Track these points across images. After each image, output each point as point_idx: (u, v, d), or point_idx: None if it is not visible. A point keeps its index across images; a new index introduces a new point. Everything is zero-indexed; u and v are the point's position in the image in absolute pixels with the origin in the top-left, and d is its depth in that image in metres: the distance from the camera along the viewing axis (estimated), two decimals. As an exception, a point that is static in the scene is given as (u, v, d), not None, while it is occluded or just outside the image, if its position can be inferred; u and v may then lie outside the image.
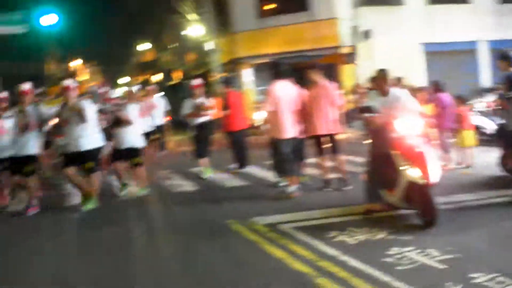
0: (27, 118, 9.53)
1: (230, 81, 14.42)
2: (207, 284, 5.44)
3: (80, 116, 9.25)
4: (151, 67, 62.54)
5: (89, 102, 9.98)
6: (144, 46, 63.38)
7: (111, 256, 6.72)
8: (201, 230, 7.64)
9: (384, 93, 7.76)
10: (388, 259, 5.59)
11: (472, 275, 4.92)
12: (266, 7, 28.98)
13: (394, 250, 5.85)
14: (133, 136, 10.60)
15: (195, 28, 31.64)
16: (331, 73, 26.66)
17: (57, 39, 55.87)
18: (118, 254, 6.74)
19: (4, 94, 10.62)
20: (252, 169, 12.70)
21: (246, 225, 7.51)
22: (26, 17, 26.38)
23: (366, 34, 25.74)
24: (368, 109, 7.73)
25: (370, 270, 5.28)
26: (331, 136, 9.72)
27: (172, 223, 8.30)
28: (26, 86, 9.86)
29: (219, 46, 30.26)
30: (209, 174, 12.18)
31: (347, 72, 27.13)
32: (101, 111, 10.29)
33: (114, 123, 10.50)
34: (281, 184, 9.73)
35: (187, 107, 12.45)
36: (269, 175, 10.80)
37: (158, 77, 58.05)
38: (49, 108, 10.27)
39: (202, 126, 12.36)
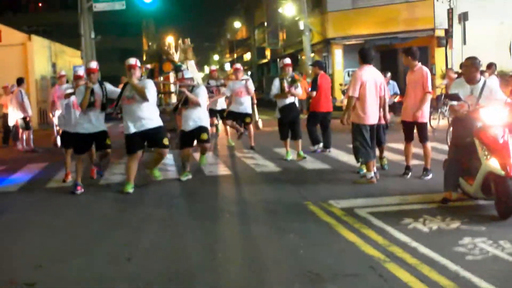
0: (94, 96, 9.47)
1: (321, 64, 14.47)
2: (279, 261, 5.67)
3: (142, 95, 9.10)
4: (242, 45, 63.20)
5: (151, 81, 9.88)
6: (236, 24, 63.92)
7: (194, 229, 7.07)
8: (278, 209, 7.86)
9: (472, 81, 7.66)
10: (459, 249, 5.62)
11: (543, 270, 4.90)
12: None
13: (466, 240, 5.88)
14: (202, 117, 10.48)
15: (288, 7, 31.72)
16: (424, 56, 26.23)
17: (153, 16, 57.37)
18: (199, 228, 7.08)
19: (81, 72, 10.71)
20: (334, 152, 12.82)
21: (322, 207, 7.69)
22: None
23: (463, 17, 24.93)
24: (454, 96, 7.65)
25: (439, 258, 5.34)
26: (418, 123, 9.55)
27: (251, 202, 8.55)
28: (94, 64, 9.90)
29: (311, 26, 30.22)
30: (290, 157, 12.13)
31: (440, 56, 26.55)
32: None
33: (183, 103, 10.43)
34: (362, 171, 9.76)
35: (275, 87, 12.27)
36: (350, 159, 10.88)
37: (249, 55, 58.60)
38: (114, 87, 10.22)
39: (288, 107, 12.14)
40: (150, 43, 61.63)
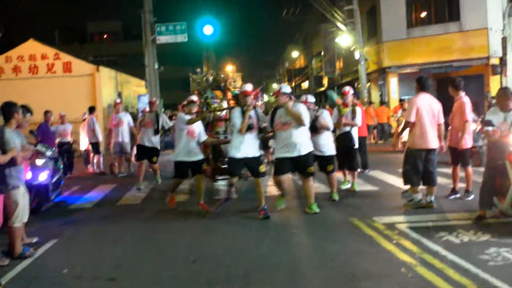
0: (251, 119, 9.41)
1: (357, 94, 15.33)
2: (322, 265, 6.49)
3: (299, 121, 9.09)
4: (300, 73, 64.22)
5: (303, 105, 9.69)
6: (294, 54, 65.00)
7: (251, 239, 7.95)
8: (327, 224, 8.70)
9: (505, 109, 8.33)
10: (484, 256, 6.35)
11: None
12: (416, 17, 29.23)
13: (492, 249, 6.61)
14: (328, 145, 10.57)
15: (344, 37, 32.48)
16: (480, 84, 26.55)
17: (213, 47, 58.99)
18: (257, 238, 7.98)
19: (194, 97, 10.63)
20: (384, 176, 13.55)
21: (366, 223, 8.49)
22: (186, 28, 28.83)
23: (516, 44, 25.25)
24: (488, 123, 8.33)
25: (464, 264, 6.11)
26: (459, 149, 10.04)
27: (303, 218, 9.31)
28: (249, 86, 9.71)
29: (366, 56, 30.90)
30: (346, 186, 12.02)
31: (495, 83, 26.73)
32: None
33: (311, 129, 10.00)
34: (407, 194, 10.22)
35: (334, 116, 11.87)
36: (398, 182, 11.58)
37: (307, 83, 59.50)
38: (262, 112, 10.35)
39: (343, 136, 11.83)
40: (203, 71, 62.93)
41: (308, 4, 35.70)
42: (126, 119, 16.26)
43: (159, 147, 13.98)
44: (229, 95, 13.26)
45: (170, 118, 18.61)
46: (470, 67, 26.66)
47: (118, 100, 16.99)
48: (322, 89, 51.84)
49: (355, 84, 35.07)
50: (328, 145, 10.63)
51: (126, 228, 9.14)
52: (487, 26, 26.42)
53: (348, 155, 11.82)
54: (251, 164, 9.51)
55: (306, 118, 9.18)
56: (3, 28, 39.50)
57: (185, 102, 10.90)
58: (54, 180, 11.41)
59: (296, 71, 67.29)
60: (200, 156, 10.35)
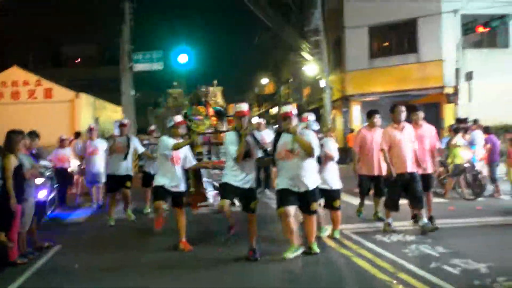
0: (248, 145, 8.27)
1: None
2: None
3: (309, 150, 7.91)
4: (269, 99, 65.84)
5: (313, 132, 8.45)
6: (264, 81, 66.50)
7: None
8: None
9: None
10: (405, 250, 8.34)
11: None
12: (377, 49, 31.10)
13: (413, 246, 8.60)
14: (334, 175, 9.52)
15: (310, 66, 34.22)
16: (436, 111, 28.47)
17: (187, 74, 60.35)
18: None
19: (179, 119, 9.58)
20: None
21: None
22: (163, 56, 30.42)
23: (468, 76, 27.10)
24: None
25: (389, 255, 8.06)
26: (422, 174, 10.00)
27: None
28: (245, 106, 8.57)
29: (331, 84, 32.66)
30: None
31: (448, 112, 28.57)
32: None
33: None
34: (361, 214, 11.66)
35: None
36: (350, 199, 13.49)
37: (275, 109, 61.19)
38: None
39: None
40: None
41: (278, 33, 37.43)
42: (102, 147, 14.57)
43: (131, 174, 12.63)
44: (210, 111, 12.65)
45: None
46: (427, 96, 28.52)
47: (93, 125, 15.58)
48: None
49: (319, 111, 36.87)
50: (334, 178, 9.51)
51: (118, 235, 10.74)
52: (441, 58, 28.39)
53: None
54: (245, 196, 8.43)
55: (316, 149, 8.05)
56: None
57: (172, 124, 9.42)
58: (50, 198, 12.94)
59: (265, 97, 68.74)
60: (183, 187, 9.45)
